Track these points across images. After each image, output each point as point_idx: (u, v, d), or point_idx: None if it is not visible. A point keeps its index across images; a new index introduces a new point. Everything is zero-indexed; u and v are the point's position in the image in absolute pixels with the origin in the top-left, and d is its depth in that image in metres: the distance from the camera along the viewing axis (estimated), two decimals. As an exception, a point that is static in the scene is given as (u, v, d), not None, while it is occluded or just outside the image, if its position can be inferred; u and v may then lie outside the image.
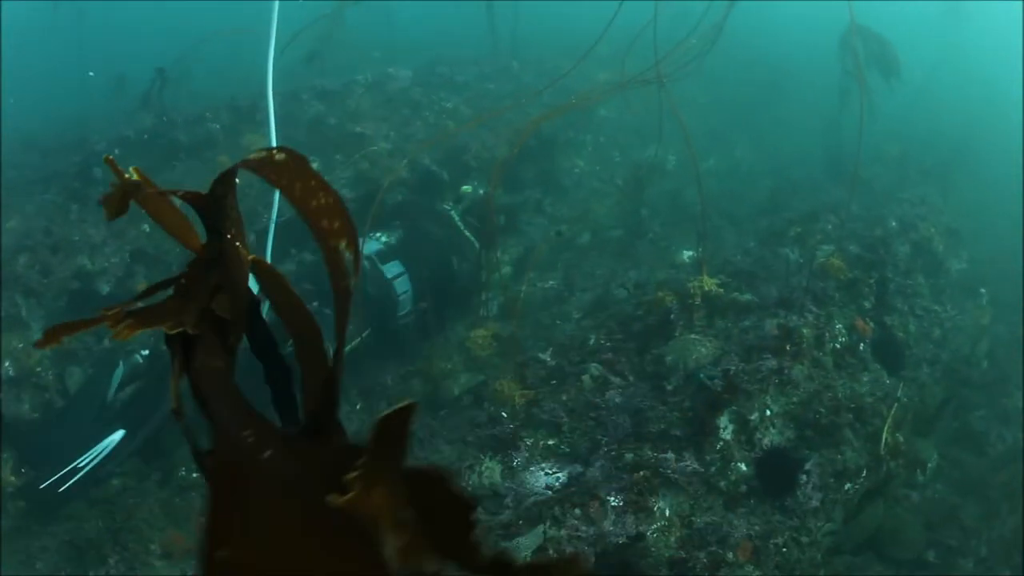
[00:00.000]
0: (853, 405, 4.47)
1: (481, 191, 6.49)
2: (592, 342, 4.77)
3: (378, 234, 5.83)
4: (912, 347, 5.41)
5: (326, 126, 6.72)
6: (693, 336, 4.44)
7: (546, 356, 4.78)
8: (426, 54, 8.97)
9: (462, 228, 6.20)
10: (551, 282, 6.72)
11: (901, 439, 4.63)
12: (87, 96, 9.52)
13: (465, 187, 6.44)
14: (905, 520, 4.87)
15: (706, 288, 4.92)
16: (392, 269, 5.60)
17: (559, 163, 8.58)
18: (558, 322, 5.97)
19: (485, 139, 7.04)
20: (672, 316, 4.68)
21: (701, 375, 4.04)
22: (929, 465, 5.32)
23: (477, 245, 6.20)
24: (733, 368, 4.09)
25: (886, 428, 4.46)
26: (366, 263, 5.52)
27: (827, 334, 4.69)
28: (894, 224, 6.60)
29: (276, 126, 4.77)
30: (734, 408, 3.94)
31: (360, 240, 5.62)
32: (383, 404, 5.01)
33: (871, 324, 5.14)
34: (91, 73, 10.43)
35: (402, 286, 5.61)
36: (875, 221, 6.65)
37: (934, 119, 11.21)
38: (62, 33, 12.08)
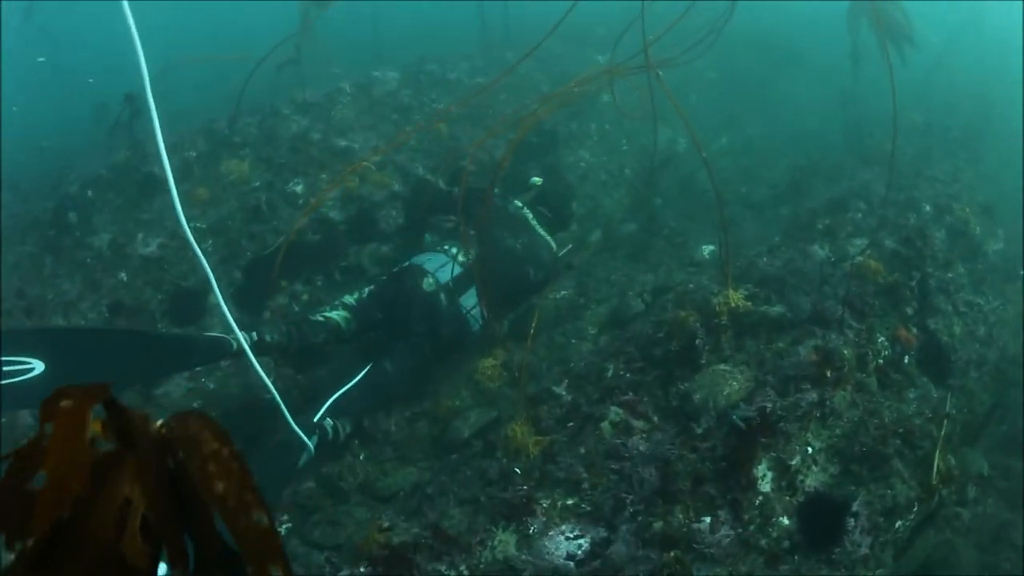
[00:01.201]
0: (901, 429, 4.07)
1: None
2: (610, 373, 4.37)
3: (453, 249, 5.41)
4: (958, 350, 4.97)
5: (309, 142, 6.27)
6: (722, 367, 4.03)
7: (561, 389, 4.39)
8: (413, 51, 8.46)
9: (538, 229, 5.88)
10: (563, 292, 6.30)
11: (953, 462, 4.22)
12: (67, 125, 9.12)
13: (534, 179, 6.23)
14: (956, 546, 4.47)
15: (732, 304, 4.49)
16: (469, 300, 5.24)
17: (563, 157, 8.11)
18: (573, 341, 5.56)
19: (481, 138, 6.58)
20: (697, 341, 4.26)
21: (734, 416, 3.63)
22: (981, 477, 4.92)
23: (553, 245, 5.91)
24: (770, 406, 3.69)
25: (937, 454, 4.05)
26: (443, 296, 5.13)
27: (869, 352, 4.26)
28: (928, 208, 6.12)
29: None
30: (773, 454, 3.55)
31: (427, 256, 5.36)
32: (388, 451, 4.65)
33: (915, 331, 4.71)
34: None
35: (477, 320, 5.28)
36: (907, 205, 6.16)
37: (955, 85, 10.61)
38: (41, 48, 11.65)
